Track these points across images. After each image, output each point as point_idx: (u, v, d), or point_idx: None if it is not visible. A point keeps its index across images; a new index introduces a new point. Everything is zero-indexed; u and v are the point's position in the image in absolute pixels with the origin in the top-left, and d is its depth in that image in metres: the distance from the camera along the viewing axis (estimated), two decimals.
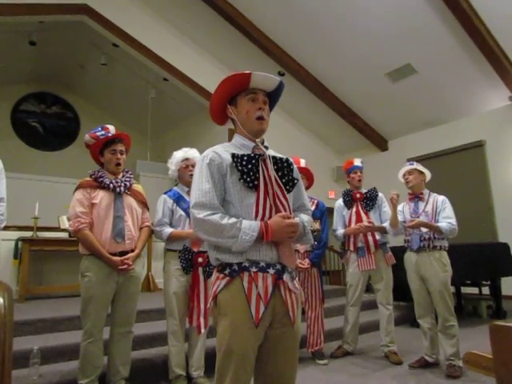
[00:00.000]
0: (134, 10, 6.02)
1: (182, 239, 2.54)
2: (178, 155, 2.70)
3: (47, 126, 8.88)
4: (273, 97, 1.52)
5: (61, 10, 5.53)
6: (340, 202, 3.47)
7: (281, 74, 6.56)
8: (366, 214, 3.27)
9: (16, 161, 7.29)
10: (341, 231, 3.37)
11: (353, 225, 3.28)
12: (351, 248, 3.30)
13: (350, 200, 3.36)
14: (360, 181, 3.34)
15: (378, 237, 3.24)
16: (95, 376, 2.22)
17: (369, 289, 3.56)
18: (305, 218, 1.51)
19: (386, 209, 3.32)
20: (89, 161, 2.57)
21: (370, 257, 3.19)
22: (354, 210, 3.32)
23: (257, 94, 1.45)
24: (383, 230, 3.24)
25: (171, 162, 2.72)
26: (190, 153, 2.69)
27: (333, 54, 6.02)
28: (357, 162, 3.40)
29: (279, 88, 1.50)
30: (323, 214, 3.29)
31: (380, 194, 3.37)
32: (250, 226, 1.29)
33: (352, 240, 3.30)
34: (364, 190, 3.37)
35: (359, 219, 3.26)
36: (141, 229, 2.50)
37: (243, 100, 1.45)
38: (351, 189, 3.40)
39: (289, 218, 1.35)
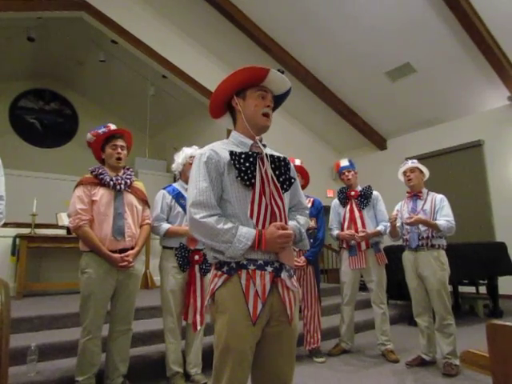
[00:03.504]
0: (133, 7, 6.00)
1: (178, 236, 2.54)
2: (188, 151, 2.71)
3: (45, 122, 8.86)
4: (277, 101, 1.53)
5: (59, 6, 5.51)
6: (336, 200, 3.48)
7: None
8: (360, 212, 3.27)
9: (14, 157, 7.27)
10: (336, 232, 3.37)
11: (346, 223, 3.29)
12: (344, 246, 3.34)
13: (344, 198, 3.38)
14: (349, 180, 3.34)
15: None
16: (92, 373, 2.22)
17: (364, 287, 3.57)
18: (301, 220, 1.49)
19: (382, 207, 3.32)
20: (87, 158, 2.57)
21: (360, 255, 3.20)
22: (349, 208, 3.33)
23: (267, 93, 1.46)
24: (378, 235, 3.24)
25: (179, 156, 2.73)
26: (199, 152, 2.71)
27: (332, 52, 6.02)
28: (343, 163, 3.41)
29: (286, 94, 1.52)
30: (319, 212, 3.30)
31: (375, 193, 3.35)
32: (244, 234, 1.28)
33: None
34: (359, 188, 3.37)
35: (353, 217, 3.27)
36: (141, 226, 2.49)
37: (254, 94, 1.44)
38: (346, 187, 3.41)
39: (283, 228, 1.33)
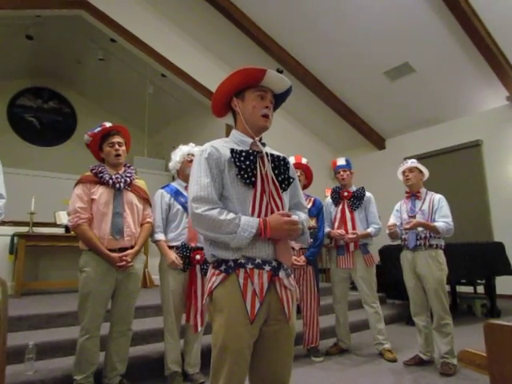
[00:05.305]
0: (132, 5, 5.98)
1: (161, 253, 2.56)
2: (185, 149, 2.71)
3: (44, 121, 8.83)
4: (278, 99, 1.53)
5: (59, 4, 5.49)
6: (329, 198, 3.48)
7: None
8: (351, 213, 3.27)
9: (12, 156, 7.26)
10: (327, 229, 3.36)
11: (337, 223, 3.29)
12: (332, 245, 3.35)
13: (337, 197, 3.38)
14: (344, 179, 3.33)
15: None
16: (90, 372, 2.22)
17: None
18: (302, 216, 1.50)
19: (374, 209, 3.32)
20: (85, 156, 2.57)
21: (348, 256, 3.21)
22: (340, 208, 3.32)
23: (266, 93, 1.45)
24: (367, 237, 3.24)
25: (176, 154, 2.72)
26: (196, 149, 2.71)
27: (331, 52, 6.01)
28: (340, 162, 3.39)
29: (287, 91, 1.51)
30: (320, 211, 3.30)
31: (368, 194, 3.34)
32: (248, 223, 1.29)
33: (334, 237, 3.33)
34: (353, 189, 3.36)
35: (343, 218, 3.28)
36: (142, 225, 2.48)
37: (252, 95, 1.44)
38: (340, 187, 3.41)
39: (288, 215, 1.34)
